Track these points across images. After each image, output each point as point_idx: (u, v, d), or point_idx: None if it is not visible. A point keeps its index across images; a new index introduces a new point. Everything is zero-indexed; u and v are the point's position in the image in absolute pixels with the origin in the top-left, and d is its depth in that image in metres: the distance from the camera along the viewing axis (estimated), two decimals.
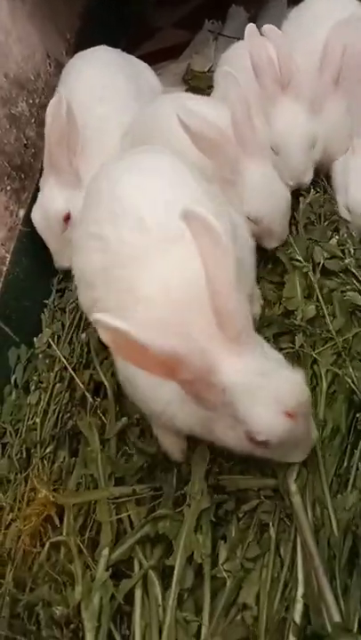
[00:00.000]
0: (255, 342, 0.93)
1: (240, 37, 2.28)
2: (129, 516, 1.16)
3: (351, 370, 1.25)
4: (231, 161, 1.41)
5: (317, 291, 1.38)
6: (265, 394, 0.89)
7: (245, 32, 1.51)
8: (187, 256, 0.93)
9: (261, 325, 1.38)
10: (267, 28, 1.49)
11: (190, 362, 0.84)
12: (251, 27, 1.50)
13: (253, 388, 0.89)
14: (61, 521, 1.22)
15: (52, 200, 1.65)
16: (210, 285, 0.88)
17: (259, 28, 2.26)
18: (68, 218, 1.65)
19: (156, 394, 1.02)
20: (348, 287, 1.40)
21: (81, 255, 1.18)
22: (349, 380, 1.22)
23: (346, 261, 1.42)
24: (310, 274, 1.42)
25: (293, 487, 1.08)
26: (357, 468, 1.15)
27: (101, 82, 1.77)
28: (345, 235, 1.47)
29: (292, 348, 1.31)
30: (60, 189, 1.66)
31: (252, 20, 2.42)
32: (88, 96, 1.73)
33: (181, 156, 1.31)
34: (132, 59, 1.98)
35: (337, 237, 1.47)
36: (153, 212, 1.06)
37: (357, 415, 1.21)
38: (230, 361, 0.89)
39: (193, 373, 0.85)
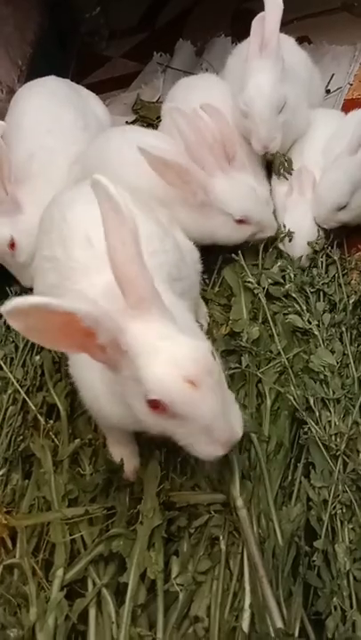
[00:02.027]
0: (162, 309, 0.95)
1: (187, 70, 2.43)
2: (82, 535, 1.18)
3: (293, 388, 1.33)
4: (201, 183, 1.48)
5: (266, 313, 1.47)
6: (163, 356, 0.90)
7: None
8: None
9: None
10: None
11: (104, 323, 0.87)
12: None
13: (153, 348, 0.91)
14: (14, 543, 1.23)
15: None
16: (111, 253, 0.93)
17: (205, 61, 2.43)
18: (12, 244, 1.68)
19: (88, 386, 1.11)
20: (289, 310, 1.49)
21: (38, 277, 1.30)
22: (291, 398, 1.29)
23: (286, 287, 1.51)
24: (261, 296, 1.50)
25: (240, 501, 1.14)
26: (300, 481, 1.23)
27: (49, 112, 1.80)
28: (285, 262, 1.57)
29: (239, 367, 1.38)
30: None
31: (199, 53, 2.55)
32: (36, 127, 1.75)
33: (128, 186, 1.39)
34: (81, 89, 2.03)
35: (279, 263, 1.56)
36: (97, 232, 1.10)
37: (300, 430, 1.29)
38: (133, 324, 0.92)
39: (106, 336, 0.89)
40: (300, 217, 1.61)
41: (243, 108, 1.56)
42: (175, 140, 1.52)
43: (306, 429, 1.26)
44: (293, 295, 1.49)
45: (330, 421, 1.27)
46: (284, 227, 1.61)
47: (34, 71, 2.25)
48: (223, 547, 1.14)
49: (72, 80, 2.08)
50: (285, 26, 1.64)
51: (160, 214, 1.40)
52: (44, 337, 0.89)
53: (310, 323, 1.45)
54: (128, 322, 0.92)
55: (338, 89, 2.13)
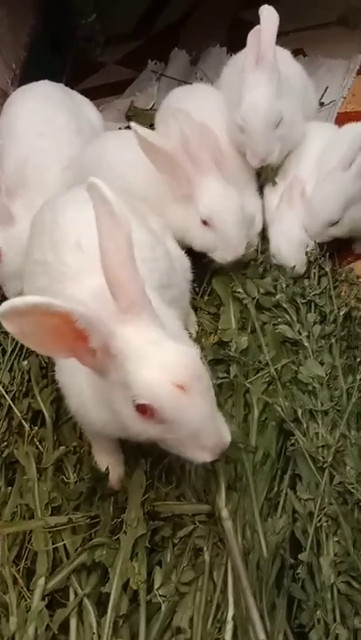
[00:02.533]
0: (152, 315, 0.95)
1: (181, 79, 2.44)
2: (65, 544, 1.17)
3: (281, 398, 1.33)
4: (187, 175, 1.47)
5: (255, 323, 1.46)
6: (152, 361, 0.91)
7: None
8: None
9: None
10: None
11: (97, 326, 0.88)
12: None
13: (142, 353, 0.91)
14: None
15: None
16: (103, 256, 0.93)
17: (200, 70, 2.44)
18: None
19: (74, 391, 1.10)
20: (279, 320, 1.49)
21: (29, 280, 1.29)
22: (279, 408, 1.29)
23: (277, 297, 1.51)
24: (250, 305, 1.50)
25: (225, 512, 1.13)
26: (286, 493, 1.22)
27: (42, 116, 1.79)
28: (277, 272, 1.57)
29: (227, 377, 1.38)
30: None
31: (194, 62, 2.56)
32: (29, 130, 1.75)
33: (122, 190, 1.39)
34: (75, 94, 2.03)
35: (274, 273, 1.57)
36: (87, 237, 1.13)
37: (287, 441, 1.28)
38: (123, 329, 0.92)
39: (98, 340, 0.89)
40: (287, 227, 1.61)
41: (240, 123, 1.57)
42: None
43: (293, 441, 1.26)
44: (284, 305, 1.48)
45: (317, 433, 1.27)
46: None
47: (27, 75, 2.25)
48: (207, 558, 1.13)
49: (66, 85, 2.08)
50: (281, 38, 1.65)
51: (153, 222, 1.41)
52: (37, 340, 0.89)
53: (300, 334, 1.45)
54: (118, 326, 0.93)
55: (331, 102, 2.14)
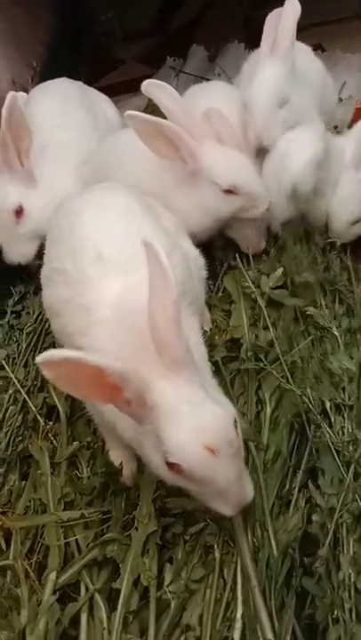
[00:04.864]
0: (192, 374, 0.97)
1: (200, 75, 2.43)
2: (77, 539, 1.18)
3: (308, 389, 1.28)
4: (190, 150, 1.45)
5: (266, 319, 1.44)
6: (187, 421, 0.93)
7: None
8: (137, 284, 1.02)
9: (209, 350, 1.43)
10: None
11: (132, 380, 0.90)
12: None
13: (178, 412, 0.93)
14: (8, 545, 1.22)
15: (5, 194, 1.70)
16: (151, 315, 0.95)
17: (218, 67, 2.43)
18: (20, 211, 1.70)
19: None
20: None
21: (47, 288, 1.28)
22: (306, 400, 1.26)
23: (304, 275, 1.48)
24: (259, 299, 1.48)
25: None
26: (300, 490, 1.21)
27: (61, 111, 1.83)
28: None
29: (238, 372, 1.37)
30: (13, 185, 1.71)
31: (212, 59, 2.55)
32: (47, 123, 1.78)
33: (137, 189, 1.39)
34: (92, 91, 2.05)
35: (282, 268, 1.54)
36: (108, 246, 1.15)
37: (299, 438, 1.26)
38: (163, 383, 0.94)
39: (133, 392, 0.91)
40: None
41: (245, 100, 1.57)
42: None
43: (319, 433, 1.23)
44: (313, 286, 1.45)
45: (343, 427, 1.26)
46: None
47: (47, 72, 2.26)
48: (218, 555, 1.13)
49: (84, 82, 2.10)
50: (300, 33, 1.64)
51: (167, 220, 1.40)
52: (74, 388, 0.93)
53: (331, 322, 1.42)
54: (158, 379, 0.94)
55: (349, 97, 2.12)
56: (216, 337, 1.50)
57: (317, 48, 2.23)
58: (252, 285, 1.50)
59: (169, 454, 0.93)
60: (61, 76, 2.01)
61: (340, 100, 2.10)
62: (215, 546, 1.14)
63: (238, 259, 1.60)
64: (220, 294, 1.62)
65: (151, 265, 0.94)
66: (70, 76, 2.03)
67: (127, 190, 1.32)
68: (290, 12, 1.51)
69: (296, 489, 1.19)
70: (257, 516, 1.15)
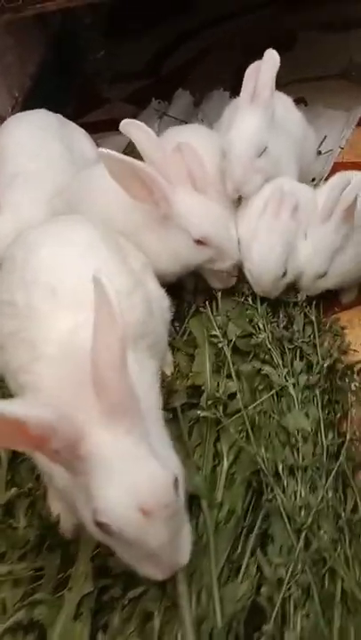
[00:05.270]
0: (135, 424, 0.89)
1: (183, 119, 2.44)
2: (3, 598, 1.06)
3: (262, 449, 1.23)
4: (164, 194, 1.41)
5: (230, 367, 1.38)
6: (121, 478, 0.85)
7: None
8: (88, 323, 0.93)
9: (170, 395, 1.36)
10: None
11: (61, 430, 0.82)
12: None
13: (112, 467, 0.85)
14: None
15: None
16: (93, 354, 0.88)
17: (201, 112, 2.45)
18: None
19: None
20: (264, 361, 1.41)
21: None
22: (260, 460, 1.20)
23: (261, 336, 1.43)
24: (225, 348, 1.42)
25: (181, 574, 1.03)
26: (252, 554, 1.12)
27: (37, 142, 1.79)
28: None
29: (198, 421, 1.30)
30: None
31: (197, 104, 2.57)
32: (21, 152, 1.75)
33: (106, 226, 1.35)
34: (70, 124, 2.02)
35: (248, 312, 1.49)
36: (63, 281, 1.09)
37: (260, 498, 1.19)
38: (100, 432, 0.86)
39: (61, 442, 0.83)
40: (271, 244, 1.49)
41: (223, 148, 1.54)
42: None
43: (271, 497, 1.17)
44: (269, 347, 1.40)
45: (295, 491, 1.18)
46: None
47: (30, 104, 2.25)
48: (157, 624, 1.03)
49: (70, 117, 2.08)
50: (285, 87, 1.69)
51: (134, 259, 1.35)
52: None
53: (287, 380, 1.37)
54: (94, 428, 0.86)
55: (329, 151, 2.13)
56: (178, 382, 1.43)
57: (301, 102, 2.26)
58: (218, 332, 1.45)
59: (98, 513, 0.85)
60: (45, 108, 1.99)
61: (320, 153, 2.11)
62: (155, 613, 1.04)
63: (207, 304, 1.54)
64: (185, 337, 1.56)
65: (98, 300, 0.88)
66: (55, 111, 2.01)
67: (91, 225, 1.28)
68: (269, 63, 1.52)
69: (248, 553, 1.10)
70: (204, 582, 1.06)
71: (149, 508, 0.83)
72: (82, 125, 2.15)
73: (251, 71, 1.57)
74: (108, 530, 0.85)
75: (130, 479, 0.85)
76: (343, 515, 1.14)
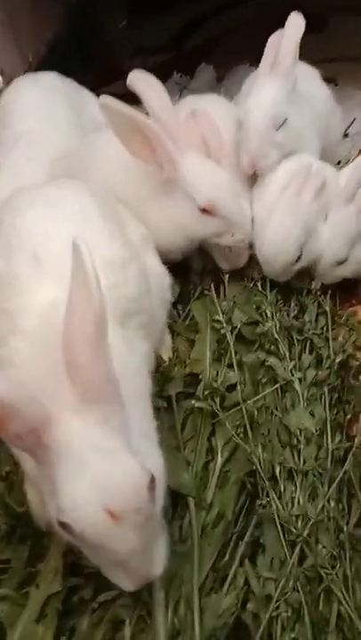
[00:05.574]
0: (112, 412, 0.77)
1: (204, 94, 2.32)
2: None
3: (259, 448, 1.12)
4: (170, 155, 1.28)
5: (232, 356, 1.27)
6: (89, 473, 0.73)
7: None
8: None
9: (165, 382, 1.25)
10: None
11: (22, 411, 0.71)
12: None
13: (80, 459, 0.74)
14: None
15: None
16: (65, 329, 0.76)
17: (224, 87, 2.34)
18: None
19: None
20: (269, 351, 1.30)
21: None
22: (256, 460, 1.09)
23: (268, 325, 1.31)
24: (228, 335, 1.30)
25: (158, 581, 0.92)
26: (240, 564, 1.01)
27: (43, 104, 1.70)
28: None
29: (193, 412, 1.19)
30: None
31: (219, 80, 2.45)
32: (27, 114, 1.66)
33: (108, 193, 1.24)
34: (84, 91, 1.92)
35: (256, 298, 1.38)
36: (47, 248, 0.99)
37: (254, 502, 1.08)
38: (70, 418, 0.75)
39: (22, 425, 0.72)
40: (288, 224, 1.38)
41: (240, 118, 1.43)
42: None
43: (265, 502, 1.06)
44: (276, 336, 1.28)
45: (293, 498, 1.07)
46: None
47: (44, 69, 2.16)
48: (128, 633, 0.92)
49: (89, 88, 1.97)
50: (315, 64, 1.58)
51: (133, 231, 1.25)
52: None
53: (293, 374, 1.26)
54: (64, 413, 0.75)
55: (357, 133, 2.01)
56: (175, 368, 1.32)
57: (331, 82, 2.13)
58: (222, 317, 1.33)
59: (60, 511, 0.74)
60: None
61: (347, 135, 1.98)
62: (127, 621, 0.93)
63: (213, 287, 1.43)
64: (187, 321, 1.44)
65: (74, 269, 0.76)
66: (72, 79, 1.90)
67: (87, 191, 1.17)
68: (293, 28, 1.39)
69: (236, 563, 0.99)
70: (184, 590, 0.95)
71: (117, 510, 0.72)
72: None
73: (273, 39, 1.46)
74: (70, 531, 0.74)
75: (97, 475, 0.73)
76: (345, 528, 1.03)
